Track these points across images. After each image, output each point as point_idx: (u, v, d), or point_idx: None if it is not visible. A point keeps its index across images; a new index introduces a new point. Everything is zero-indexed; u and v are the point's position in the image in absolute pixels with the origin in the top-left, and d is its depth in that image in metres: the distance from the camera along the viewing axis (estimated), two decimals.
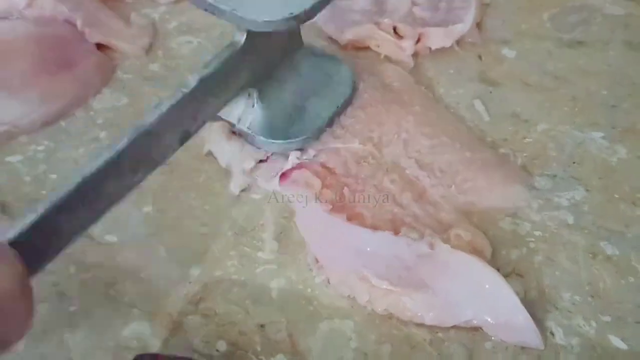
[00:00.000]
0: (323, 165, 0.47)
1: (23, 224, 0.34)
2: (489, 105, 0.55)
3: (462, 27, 0.59)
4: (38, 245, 0.35)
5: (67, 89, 0.55)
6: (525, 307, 0.41)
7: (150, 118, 0.40)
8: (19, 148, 0.51)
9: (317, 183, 0.45)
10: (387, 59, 0.59)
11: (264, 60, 0.49)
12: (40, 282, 0.43)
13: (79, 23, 0.58)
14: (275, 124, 0.49)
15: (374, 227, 0.42)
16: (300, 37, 0.52)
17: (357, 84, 0.53)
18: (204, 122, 0.45)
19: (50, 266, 0.44)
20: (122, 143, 0.38)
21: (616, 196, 0.49)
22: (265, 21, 0.42)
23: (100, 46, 0.58)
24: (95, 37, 0.58)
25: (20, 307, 0.30)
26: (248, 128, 0.49)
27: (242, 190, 0.49)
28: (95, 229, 0.46)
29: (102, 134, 0.53)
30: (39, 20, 0.58)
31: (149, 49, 0.60)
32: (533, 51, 0.60)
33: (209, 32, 0.61)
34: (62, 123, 0.53)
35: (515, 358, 0.40)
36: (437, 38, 0.58)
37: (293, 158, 0.48)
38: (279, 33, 0.46)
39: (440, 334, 0.41)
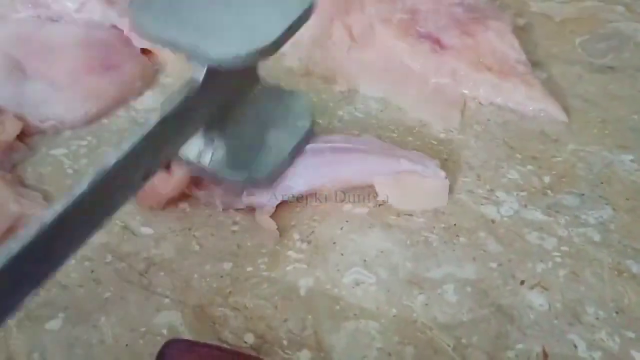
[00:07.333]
0: None
1: None
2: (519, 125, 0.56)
3: None
4: None
5: (111, 89, 0.57)
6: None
7: (110, 160, 0.36)
8: (63, 142, 0.54)
9: None
10: None
11: (224, 96, 0.46)
12: (78, 268, 0.45)
13: (125, 28, 0.61)
14: (236, 159, 0.47)
15: None
16: (257, 71, 0.50)
17: (315, 116, 0.52)
18: (165, 160, 0.43)
19: (87, 253, 0.46)
20: (83, 187, 0.34)
21: None
22: (233, 57, 0.39)
23: (144, 51, 0.61)
24: (140, 42, 0.60)
25: None
26: (209, 164, 0.47)
27: None
28: (133, 221, 0.48)
29: None
30: (88, 24, 0.61)
31: None
32: (564, 74, 0.61)
33: None
34: (105, 121, 0.56)
35: None
36: None
37: None
38: (238, 68, 0.42)
39: (463, 340, 0.42)
